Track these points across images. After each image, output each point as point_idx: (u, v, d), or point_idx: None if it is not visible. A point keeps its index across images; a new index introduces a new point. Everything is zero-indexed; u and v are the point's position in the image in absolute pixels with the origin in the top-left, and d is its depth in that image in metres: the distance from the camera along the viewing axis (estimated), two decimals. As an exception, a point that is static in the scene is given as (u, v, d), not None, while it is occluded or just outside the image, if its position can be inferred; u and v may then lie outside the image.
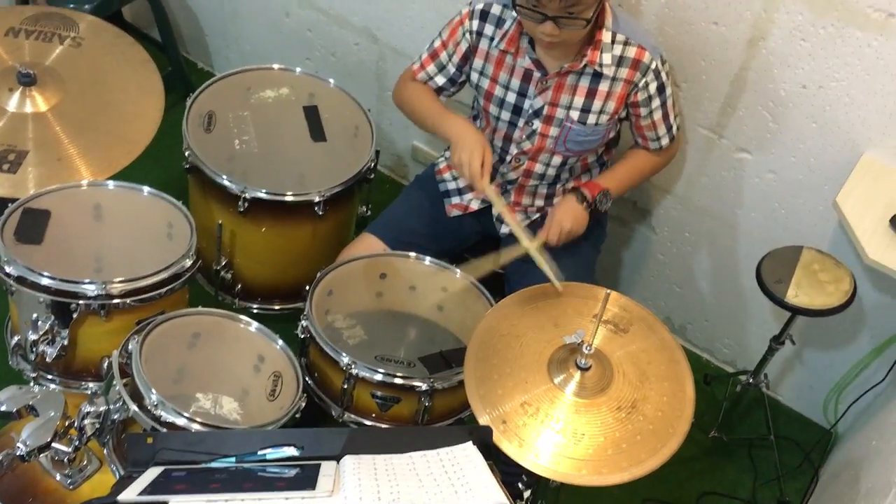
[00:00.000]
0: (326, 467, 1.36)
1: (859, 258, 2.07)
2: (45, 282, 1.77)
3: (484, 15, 1.96)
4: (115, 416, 1.66)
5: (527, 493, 1.80)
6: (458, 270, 2.07)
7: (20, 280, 1.77)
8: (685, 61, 2.14)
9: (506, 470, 1.58)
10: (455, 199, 2.23)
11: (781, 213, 2.26)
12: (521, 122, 2.02)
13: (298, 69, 2.43)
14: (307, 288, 1.99)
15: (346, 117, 2.39)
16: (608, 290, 1.55)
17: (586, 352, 1.59)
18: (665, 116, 2.02)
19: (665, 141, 2.07)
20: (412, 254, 2.10)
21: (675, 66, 2.17)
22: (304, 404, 1.78)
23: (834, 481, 2.33)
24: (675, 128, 2.07)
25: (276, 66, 2.41)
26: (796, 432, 2.59)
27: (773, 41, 1.99)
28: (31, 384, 1.89)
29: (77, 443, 1.64)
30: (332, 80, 2.42)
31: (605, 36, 1.88)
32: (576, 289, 1.79)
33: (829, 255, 2.04)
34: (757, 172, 2.23)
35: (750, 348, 2.60)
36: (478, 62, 2.02)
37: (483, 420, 1.57)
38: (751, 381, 2.35)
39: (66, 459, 1.72)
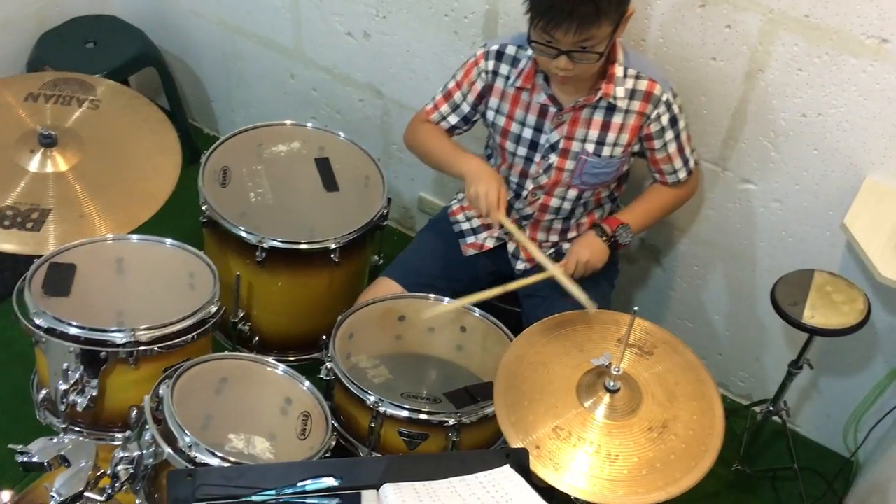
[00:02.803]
0: (367, 495, 1.37)
1: (869, 280, 2.11)
2: (73, 331, 1.79)
3: (500, 55, 2.04)
4: (148, 462, 1.66)
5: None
6: (476, 310, 2.10)
7: (50, 331, 1.79)
8: (686, 97, 2.21)
9: None
10: (470, 239, 2.27)
11: (789, 241, 2.30)
12: (537, 157, 2.07)
13: (309, 124, 2.49)
14: (324, 337, 2.01)
15: (356, 167, 2.45)
16: (635, 309, 1.58)
17: (615, 373, 1.61)
18: (680, 149, 2.07)
19: (682, 174, 2.11)
20: (431, 295, 2.12)
21: (677, 102, 2.24)
22: (334, 443, 1.78)
23: (860, 508, 2.33)
24: (691, 161, 2.11)
25: (287, 121, 2.47)
26: (817, 462, 2.58)
27: (771, 73, 2.07)
28: (61, 436, 1.88)
29: (110, 491, 1.64)
30: (341, 133, 2.48)
31: (618, 70, 1.95)
32: (599, 315, 1.82)
33: (841, 277, 2.08)
34: (762, 202, 2.28)
35: (765, 379, 2.62)
36: (493, 101, 2.08)
37: (517, 447, 1.57)
38: (770, 408, 2.36)
39: (96, 511, 1.72)
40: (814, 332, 2.00)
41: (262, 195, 2.45)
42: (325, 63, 2.84)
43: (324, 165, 2.47)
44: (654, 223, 2.24)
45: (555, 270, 1.92)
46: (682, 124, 2.04)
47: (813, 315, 2.00)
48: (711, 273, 2.51)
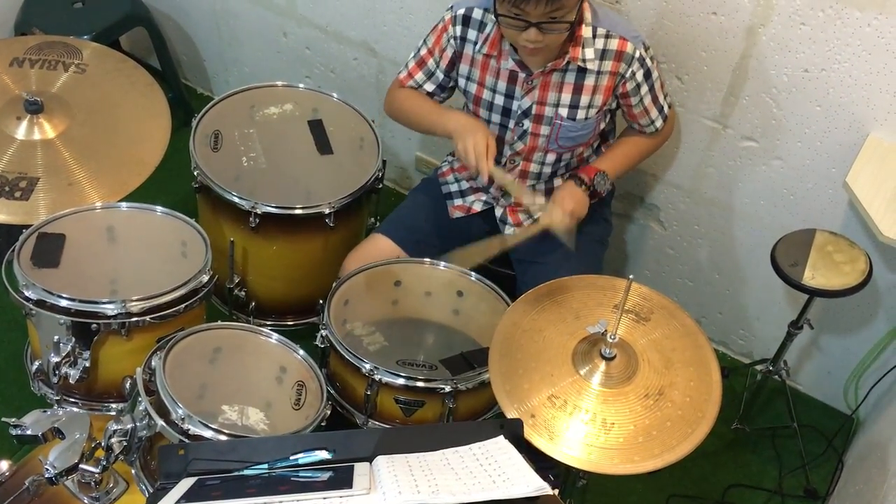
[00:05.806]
0: (360, 468, 1.36)
1: (871, 239, 2.08)
2: (64, 303, 1.77)
3: (466, 20, 1.98)
4: (142, 434, 1.65)
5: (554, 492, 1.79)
6: (472, 274, 2.08)
7: (39, 303, 1.77)
8: (686, 53, 2.16)
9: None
10: (457, 201, 2.24)
11: (791, 200, 2.26)
12: (511, 124, 2.03)
13: (301, 85, 2.44)
14: (321, 301, 1.99)
15: (350, 129, 2.41)
16: (631, 277, 1.56)
17: (611, 340, 1.59)
18: (654, 100, 2.03)
19: (659, 123, 2.08)
20: (427, 259, 2.10)
21: (676, 58, 2.18)
22: (329, 412, 1.77)
23: (860, 465, 2.33)
24: (666, 108, 2.07)
25: (279, 83, 2.43)
26: (817, 420, 2.58)
27: (773, 27, 2.01)
28: (55, 407, 1.88)
29: (105, 462, 1.63)
30: (335, 94, 2.43)
31: (586, 31, 1.89)
32: (594, 280, 1.79)
33: (843, 236, 2.05)
34: (764, 160, 2.24)
35: (766, 338, 2.60)
36: (464, 68, 2.03)
37: (511, 416, 1.56)
38: (770, 368, 2.35)
39: (92, 482, 1.72)
40: (814, 293, 1.97)
41: (254, 159, 2.41)
42: (318, 21, 2.77)
43: (317, 128, 2.43)
44: (632, 169, 2.19)
45: (545, 219, 1.94)
46: (655, 75, 2.00)
47: (813, 276, 1.97)
48: (711, 232, 2.48)
